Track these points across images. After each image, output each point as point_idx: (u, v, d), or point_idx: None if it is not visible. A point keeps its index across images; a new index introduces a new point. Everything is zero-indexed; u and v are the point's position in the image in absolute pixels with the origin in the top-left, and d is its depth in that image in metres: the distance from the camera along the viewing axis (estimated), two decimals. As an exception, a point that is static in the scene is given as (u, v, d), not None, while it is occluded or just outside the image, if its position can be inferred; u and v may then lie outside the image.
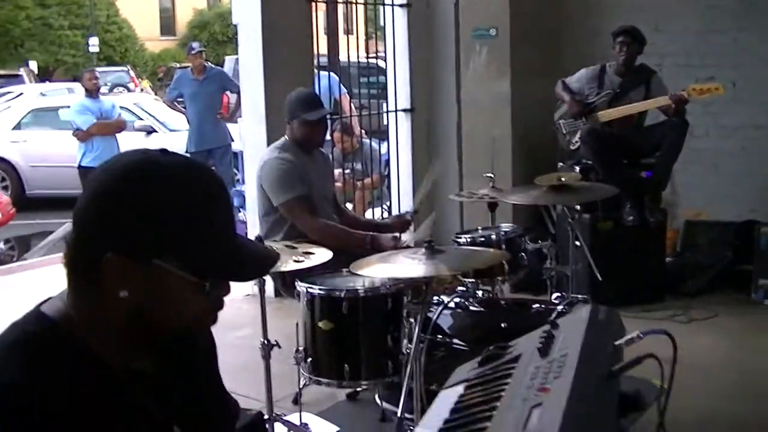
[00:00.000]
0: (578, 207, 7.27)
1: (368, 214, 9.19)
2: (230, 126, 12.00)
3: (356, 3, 9.14)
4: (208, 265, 1.73)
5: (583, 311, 1.89)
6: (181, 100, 12.40)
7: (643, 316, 6.99)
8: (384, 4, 9.30)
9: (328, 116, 6.55)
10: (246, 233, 4.65)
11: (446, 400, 1.85)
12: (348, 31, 10.73)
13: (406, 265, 4.19)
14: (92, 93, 11.79)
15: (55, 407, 1.63)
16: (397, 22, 9.25)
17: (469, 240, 5.28)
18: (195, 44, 12.84)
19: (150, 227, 1.68)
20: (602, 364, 1.60)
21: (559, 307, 4.63)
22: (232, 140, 11.85)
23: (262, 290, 4.41)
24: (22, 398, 1.62)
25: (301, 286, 4.54)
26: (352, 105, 10.33)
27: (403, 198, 9.21)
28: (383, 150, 10.08)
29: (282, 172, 5.69)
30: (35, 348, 1.71)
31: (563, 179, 5.59)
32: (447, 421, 1.71)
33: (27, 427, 1.60)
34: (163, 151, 1.78)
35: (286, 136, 5.93)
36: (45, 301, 1.80)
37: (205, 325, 1.86)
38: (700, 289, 7.86)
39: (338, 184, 7.98)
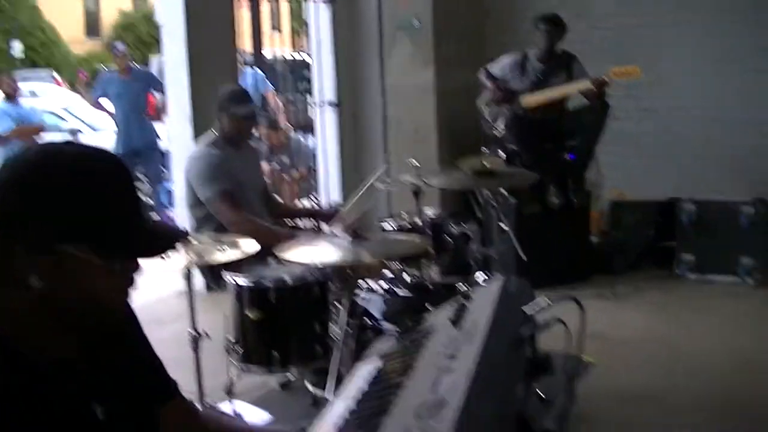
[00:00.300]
0: (503, 191, 7.37)
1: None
2: (157, 125, 11.94)
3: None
4: (115, 245, 1.77)
5: (495, 284, 1.94)
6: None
7: (570, 295, 7.09)
8: (307, 0, 9.33)
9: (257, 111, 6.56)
10: (181, 229, 4.68)
11: (363, 372, 1.90)
12: (275, 28, 10.78)
13: (332, 252, 4.25)
14: (11, 98, 11.64)
15: None
16: (321, 17, 9.28)
17: (393, 226, 5.33)
18: (119, 44, 12.72)
19: (53, 214, 1.72)
20: (511, 330, 1.66)
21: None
22: (160, 139, 11.79)
23: (189, 282, 4.41)
24: None
25: (228, 278, 4.57)
26: (279, 100, 10.37)
27: (331, 190, 9.25)
28: (311, 144, 10.11)
29: (207, 166, 5.69)
30: None
31: (487, 164, 5.65)
32: (363, 391, 1.77)
33: None
34: (67, 142, 1.84)
35: (214, 131, 5.93)
36: None
37: (119, 302, 1.90)
38: (625, 267, 8.01)
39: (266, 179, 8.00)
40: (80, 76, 38.28)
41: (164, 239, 1.90)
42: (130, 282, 1.87)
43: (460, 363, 1.50)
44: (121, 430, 1.93)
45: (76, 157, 1.80)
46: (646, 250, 8.26)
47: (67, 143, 1.84)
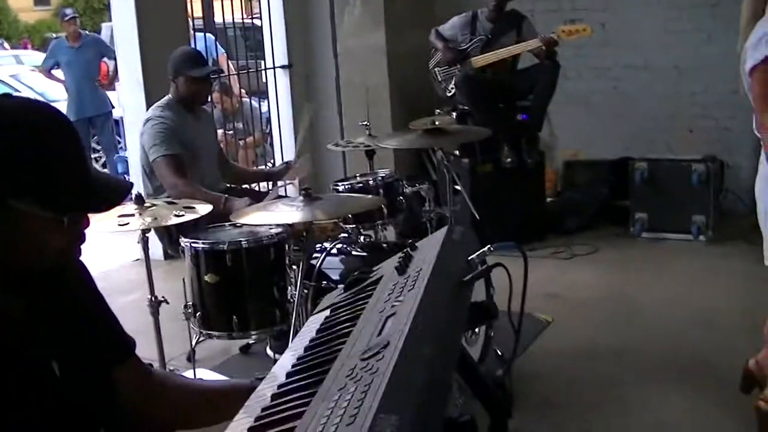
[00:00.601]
0: (457, 152, 7.42)
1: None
2: (110, 93, 11.88)
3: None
4: (63, 200, 1.79)
5: (440, 232, 1.98)
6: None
7: (526, 254, 7.17)
8: (256, -39, 9.31)
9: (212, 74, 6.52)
10: (135, 194, 4.67)
11: (313, 324, 1.94)
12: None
13: (285, 213, 4.28)
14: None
15: None
16: (270, -20, 9.24)
17: (347, 187, 5.37)
18: (68, 10, 12.61)
19: None
20: (454, 275, 1.70)
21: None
22: (113, 107, 11.73)
23: (145, 247, 4.42)
24: None
25: (185, 242, 4.58)
26: (231, 65, 10.33)
27: (286, 154, 9.25)
28: (264, 108, 10.10)
29: (157, 130, 5.67)
30: None
31: (437, 123, 5.69)
32: (312, 340, 1.81)
33: None
34: (6, 95, 1.84)
35: (170, 95, 5.90)
36: None
37: (70, 258, 1.91)
38: (580, 227, 8.14)
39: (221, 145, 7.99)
40: (25, 45, 37.94)
41: (111, 191, 1.90)
42: (80, 237, 1.89)
43: (403, 306, 1.54)
44: (78, 387, 1.95)
45: (17, 110, 1.80)
46: (600, 209, 8.36)
47: (6, 96, 1.84)
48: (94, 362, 2.05)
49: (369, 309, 1.71)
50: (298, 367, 1.65)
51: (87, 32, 12.59)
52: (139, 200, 4.41)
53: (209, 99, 6.72)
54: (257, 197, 5.54)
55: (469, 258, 1.77)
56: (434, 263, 1.72)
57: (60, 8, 41.80)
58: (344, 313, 1.84)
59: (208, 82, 6.07)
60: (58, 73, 12.08)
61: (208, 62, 6.76)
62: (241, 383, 2.22)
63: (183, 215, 4.35)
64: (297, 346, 1.82)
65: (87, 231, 1.90)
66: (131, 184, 2.05)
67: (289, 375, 1.65)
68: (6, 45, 38.69)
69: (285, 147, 9.25)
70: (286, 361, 1.77)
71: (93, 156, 12.56)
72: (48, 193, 1.76)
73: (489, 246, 1.78)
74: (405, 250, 1.92)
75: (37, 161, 1.75)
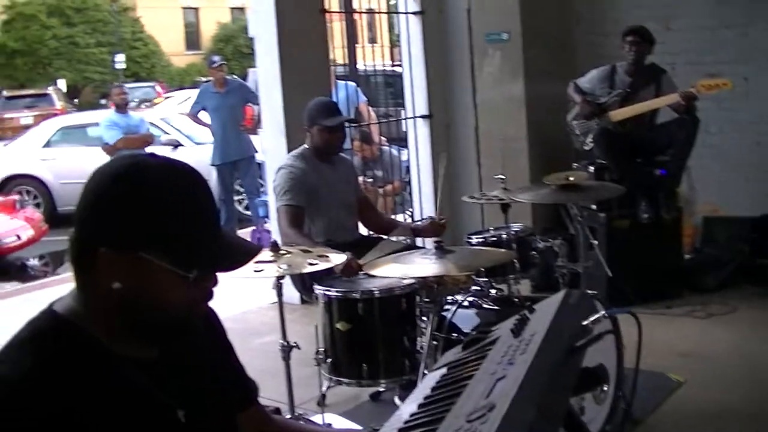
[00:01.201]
0: (594, 206, 7.38)
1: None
2: (254, 137, 12.14)
3: (369, 12, 9.31)
4: (192, 257, 1.87)
5: (557, 296, 2.02)
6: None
7: (661, 312, 7.10)
8: (398, 13, 9.43)
9: (347, 123, 6.60)
10: (271, 241, 4.80)
11: (430, 380, 2.00)
12: (372, 40, 10.88)
13: (418, 265, 4.33)
14: (121, 108, 11.97)
15: (63, 398, 1.77)
16: (411, 30, 9.35)
17: (480, 240, 5.40)
18: (216, 58, 12.93)
19: (136, 223, 1.84)
20: (566, 341, 1.73)
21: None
22: (256, 151, 11.98)
23: (279, 293, 4.53)
24: (31, 391, 1.75)
25: (318, 289, 4.69)
26: (372, 113, 10.45)
27: (425, 203, 9.32)
28: (404, 157, 10.18)
29: (285, 179, 5.82)
30: (43, 343, 1.85)
31: (571, 178, 5.70)
32: (427, 396, 1.86)
33: (37, 419, 1.73)
34: (152, 155, 1.96)
35: (305, 144, 6.03)
36: (57, 300, 1.96)
37: (194, 314, 1.99)
38: (718, 285, 7.92)
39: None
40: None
41: (240, 254, 1.98)
42: (206, 295, 1.98)
43: (513, 370, 1.59)
44: None
45: (159, 169, 1.92)
46: (740, 267, 8.13)
47: (153, 155, 1.96)
48: (219, 410, 2.13)
49: (482, 370, 1.76)
50: (409, 424, 1.71)
51: (233, 77, 12.86)
52: (275, 247, 4.51)
53: (348, 147, 6.78)
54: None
55: (584, 323, 1.80)
56: (548, 328, 1.76)
57: (209, 53, 42.89)
58: (459, 372, 1.89)
59: (341, 131, 6.13)
60: (204, 116, 12.43)
61: (346, 112, 6.85)
62: None
63: (317, 264, 4.43)
64: (412, 402, 1.88)
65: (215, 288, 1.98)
66: (260, 248, 2.13)
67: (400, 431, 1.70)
68: (158, 88, 39.93)
69: (423, 196, 9.33)
70: (400, 417, 1.82)
71: (236, 198, 12.82)
72: (178, 249, 1.86)
73: (603, 312, 1.81)
74: (522, 312, 1.96)
75: (173, 218, 1.86)
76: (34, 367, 1.79)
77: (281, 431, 2.38)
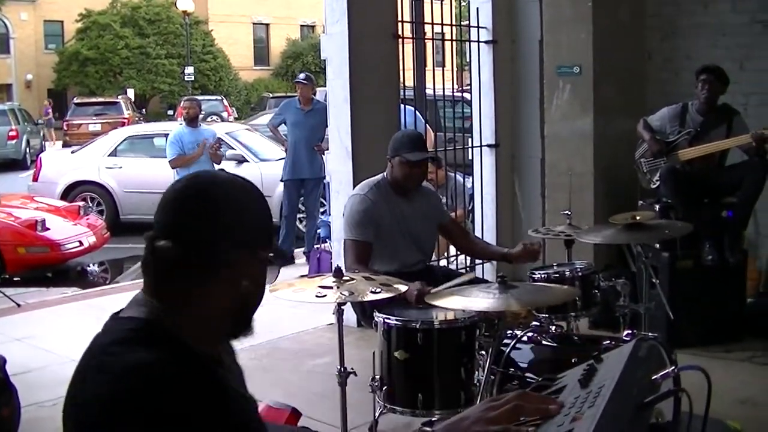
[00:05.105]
0: (657, 245, 7.31)
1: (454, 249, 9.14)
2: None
3: (443, 40, 9.33)
4: (266, 245, 2.19)
5: (627, 347, 2.00)
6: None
7: (721, 356, 7.01)
8: (470, 41, 9.44)
9: (429, 161, 6.42)
10: (330, 263, 4.82)
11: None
12: (441, 64, 10.88)
13: (480, 299, 4.32)
14: (192, 122, 11.95)
15: (187, 391, 1.90)
16: (482, 59, 9.38)
17: (543, 276, 5.38)
18: (302, 75, 12.90)
19: (251, 224, 2.13)
20: (635, 395, 1.72)
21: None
22: (326, 174, 11.99)
23: (339, 319, 4.55)
24: (165, 371, 1.89)
25: (378, 317, 4.68)
26: (432, 134, 10.42)
27: (486, 233, 9.29)
28: (468, 184, 10.16)
29: (354, 211, 5.80)
30: (143, 339, 1.97)
31: (637, 217, 5.66)
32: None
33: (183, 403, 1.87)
34: (221, 170, 2.18)
35: (384, 174, 5.98)
36: (117, 313, 2.10)
37: None
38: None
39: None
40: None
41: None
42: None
43: (581, 425, 1.57)
44: None
45: (233, 179, 2.21)
46: (806, 313, 8.01)
47: (222, 170, 2.18)
48: None
49: (549, 421, 1.74)
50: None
51: (318, 99, 12.79)
52: (338, 273, 4.52)
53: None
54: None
55: (653, 378, 1.79)
56: (617, 381, 1.74)
57: (277, 69, 43.05)
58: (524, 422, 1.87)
59: (423, 167, 6.00)
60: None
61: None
62: None
63: (379, 292, 4.44)
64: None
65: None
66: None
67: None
68: (226, 101, 40.28)
69: (486, 226, 9.31)
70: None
71: (297, 216, 12.86)
72: (266, 241, 2.19)
73: (673, 367, 1.79)
74: (590, 362, 1.94)
75: (257, 216, 2.19)
76: (152, 355, 1.91)
77: None
